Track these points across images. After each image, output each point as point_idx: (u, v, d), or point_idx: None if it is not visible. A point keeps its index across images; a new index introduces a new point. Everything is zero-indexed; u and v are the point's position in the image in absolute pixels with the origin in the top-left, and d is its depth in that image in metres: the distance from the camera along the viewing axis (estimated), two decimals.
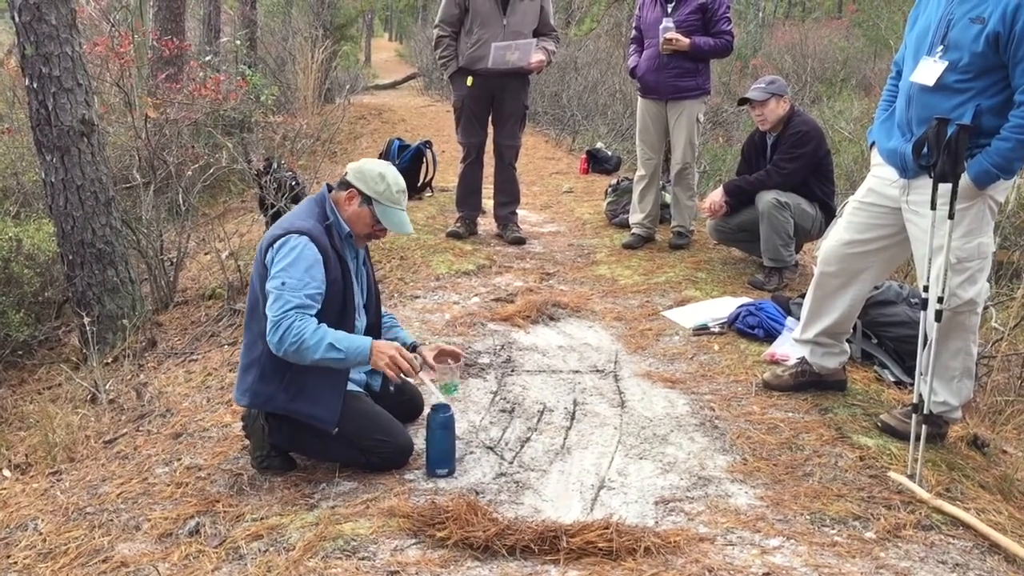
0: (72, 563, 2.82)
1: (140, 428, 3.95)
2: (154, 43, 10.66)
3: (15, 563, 2.90)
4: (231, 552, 2.70)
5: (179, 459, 3.44)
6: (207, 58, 11.89)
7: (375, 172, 3.19)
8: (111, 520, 3.03)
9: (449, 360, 3.39)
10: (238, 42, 13.73)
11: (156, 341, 5.43)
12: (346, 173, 3.23)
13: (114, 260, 5.69)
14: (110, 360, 5.29)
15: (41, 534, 3.05)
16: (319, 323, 2.97)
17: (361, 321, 3.34)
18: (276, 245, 3.05)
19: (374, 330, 3.42)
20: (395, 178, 3.22)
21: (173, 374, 4.70)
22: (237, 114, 10.02)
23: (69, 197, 5.49)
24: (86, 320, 5.18)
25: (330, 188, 3.27)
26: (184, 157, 7.64)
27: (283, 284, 2.97)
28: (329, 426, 3.09)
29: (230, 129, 9.70)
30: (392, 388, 3.32)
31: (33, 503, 3.36)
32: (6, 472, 3.95)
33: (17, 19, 5.31)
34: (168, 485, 3.22)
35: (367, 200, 3.17)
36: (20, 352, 6.04)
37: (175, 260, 6.32)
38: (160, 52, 10.42)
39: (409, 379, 3.18)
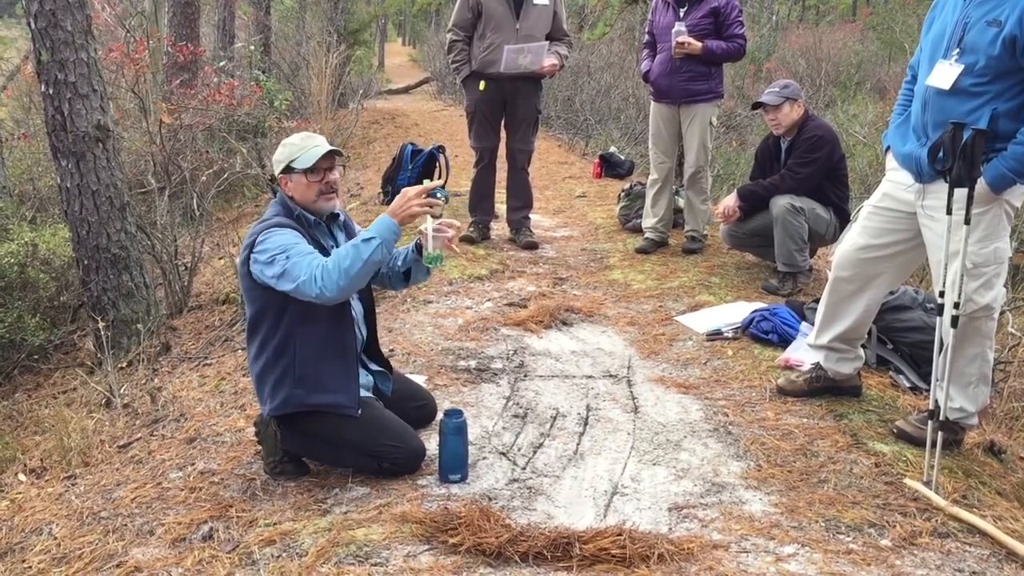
0: (86, 568, 2.83)
1: (154, 433, 3.97)
2: (169, 49, 10.73)
3: (30, 567, 2.91)
4: (244, 557, 2.70)
5: (193, 464, 3.45)
6: (221, 64, 11.95)
7: (279, 148, 3.22)
8: (125, 525, 3.04)
9: (446, 229, 3.27)
10: (252, 47, 13.80)
11: (170, 345, 5.46)
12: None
13: (129, 265, 5.72)
14: (125, 364, 5.31)
15: (56, 539, 3.06)
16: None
17: (355, 305, 3.31)
18: (256, 250, 3.03)
19: (370, 314, 3.41)
20: (294, 137, 3.23)
21: (187, 378, 4.72)
22: (251, 119, 10.07)
23: (84, 202, 5.53)
24: (101, 325, 5.20)
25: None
26: (198, 162, 7.70)
27: (288, 257, 2.95)
28: (352, 411, 3.11)
29: (244, 134, 9.74)
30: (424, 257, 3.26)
31: (48, 507, 3.37)
32: (22, 476, 3.97)
33: (33, 25, 5.36)
34: (182, 490, 3.23)
35: (288, 169, 3.16)
36: (36, 356, 6.08)
37: (189, 265, 6.35)
38: (175, 58, 10.49)
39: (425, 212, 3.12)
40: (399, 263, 3.40)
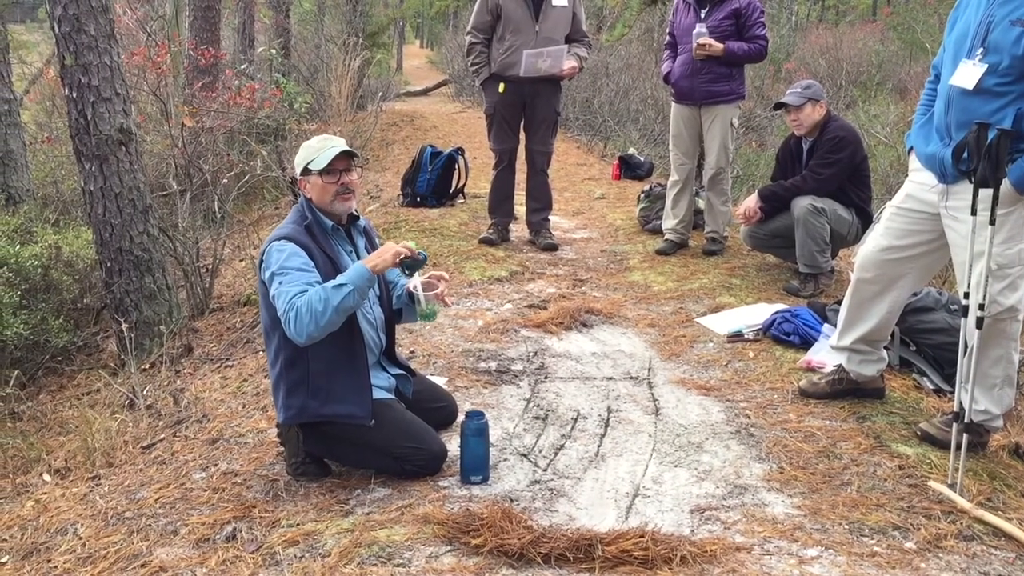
0: (111, 568, 2.85)
1: (177, 434, 3.99)
2: (190, 53, 10.81)
3: (55, 567, 2.94)
4: (267, 558, 2.72)
5: (216, 465, 3.47)
6: (242, 67, 12.02)
7: (299, 151, 3.29)
8: (149, 525, 3.06)
9: (435, 283, 3.28)
10: (272, 51, 13.87)
11: (192, 347, 5.49)
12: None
13: (151, 267, 5.76)
14: (147, 366, 5.35)
15: (80, 539, 3.09)
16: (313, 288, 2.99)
17: (375, 315, 3.32)
18: (264, 259, 3.11)
19: (390, 325, 3.42)
20: (313, 139, 3.29)
21: (209, 380, 4.75)
22: (271, 122, 10.13)
23: (107, 205, 5.57)
24: (124, 326, 5.24)
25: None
26: (219, 165, 7.74)
27: (280, 283, 3.00)
28: (365, 421, 3.11)
29: (264, 137, 9.80)
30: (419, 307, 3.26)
31: (73, 508, 3.40)
32: (46, 477, 4.01)
33: (57, 30, 5.41)
34: (205, 490, 3.25)
35: (306, 171, 3.21)
36: (59, 358, 6.14)
37: (211, 267, 6.38)
38: (196, 61, 10.58)
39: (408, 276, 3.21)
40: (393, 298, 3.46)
